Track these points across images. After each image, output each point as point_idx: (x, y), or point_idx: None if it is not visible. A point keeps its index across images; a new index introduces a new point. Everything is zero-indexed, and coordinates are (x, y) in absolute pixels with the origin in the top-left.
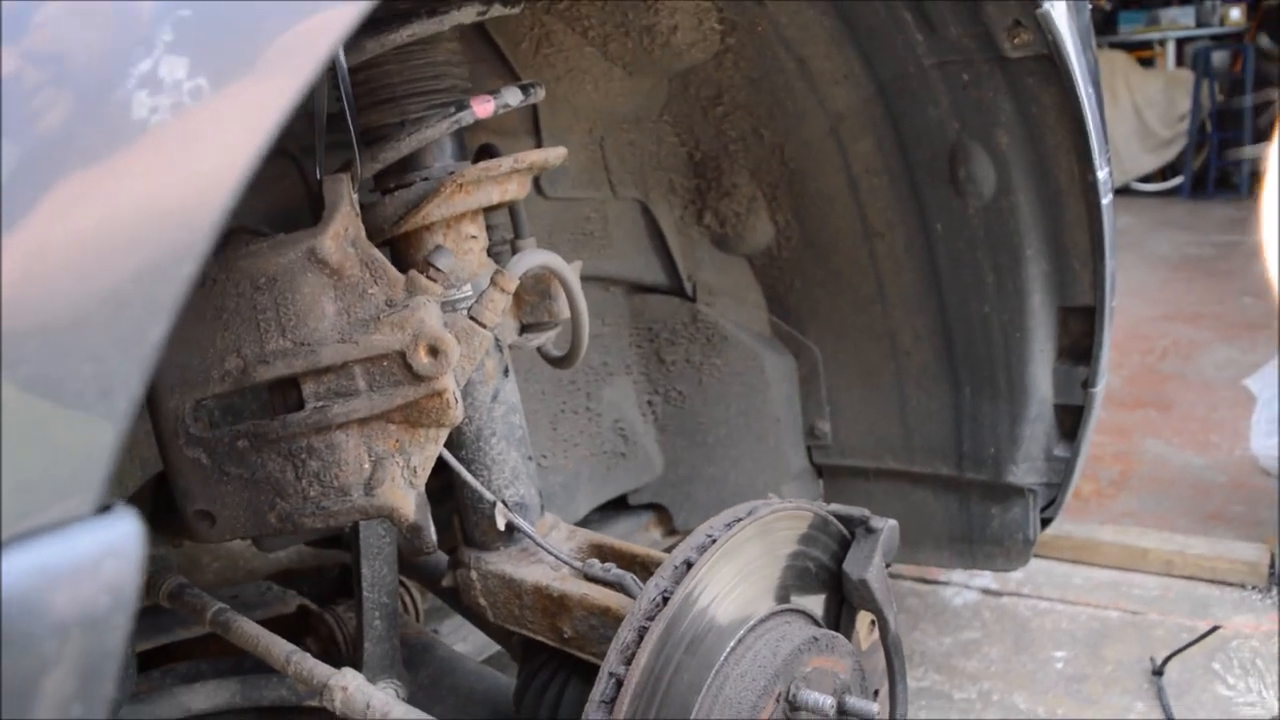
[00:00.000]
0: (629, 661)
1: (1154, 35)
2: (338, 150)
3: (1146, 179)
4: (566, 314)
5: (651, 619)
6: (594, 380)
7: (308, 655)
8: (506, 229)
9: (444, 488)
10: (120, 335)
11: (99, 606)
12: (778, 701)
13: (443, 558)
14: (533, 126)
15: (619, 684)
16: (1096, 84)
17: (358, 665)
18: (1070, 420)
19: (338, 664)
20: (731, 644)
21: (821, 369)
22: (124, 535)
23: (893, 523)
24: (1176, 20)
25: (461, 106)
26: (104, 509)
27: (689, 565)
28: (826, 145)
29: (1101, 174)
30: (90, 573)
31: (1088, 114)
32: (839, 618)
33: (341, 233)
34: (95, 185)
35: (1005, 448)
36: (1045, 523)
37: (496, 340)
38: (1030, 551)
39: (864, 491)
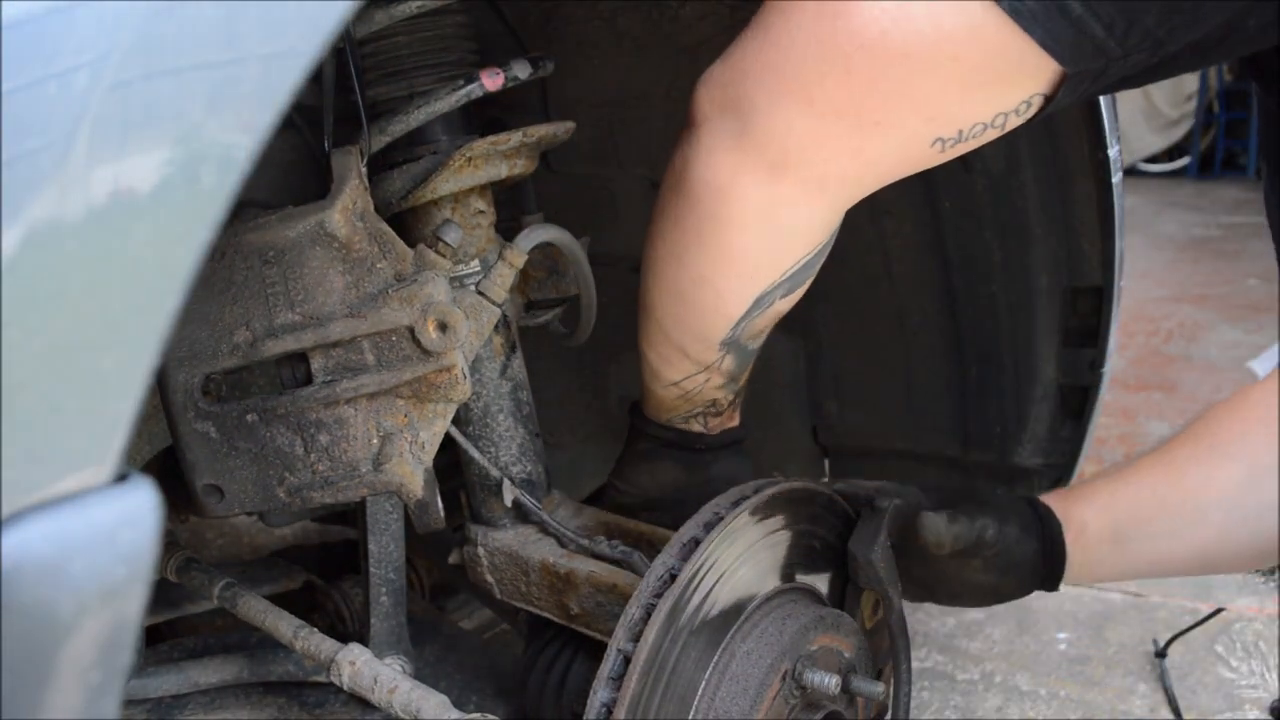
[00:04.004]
0: (636, 638)
1: None
2: (343, 123)
3: (1153, 159)
4: (574, 290)
5: (659, 596)
6: (600, 357)
7: (315, 631)
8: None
9: (451, 465)
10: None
11: (116, 576)
12: (783, 679)
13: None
14: (541, 102)
15: (626, 661)
16: None
17: (364, 641)
18: (1076, 401)
19: (344, 640)
20: (738, 621)
21: (827, 348)
22: (140, 505)
23: (898, 502)
24: None
25: (470, 79)
26: (120, 478)
27: (696, 543)
28: None
29: (1112, 151)
30: (107, 542)
31: None
32: (844, 596)
33: (350, 206)
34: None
35: (1011, 429)
36: None
37: (504, 316)
38: None
39: (869, 471)
